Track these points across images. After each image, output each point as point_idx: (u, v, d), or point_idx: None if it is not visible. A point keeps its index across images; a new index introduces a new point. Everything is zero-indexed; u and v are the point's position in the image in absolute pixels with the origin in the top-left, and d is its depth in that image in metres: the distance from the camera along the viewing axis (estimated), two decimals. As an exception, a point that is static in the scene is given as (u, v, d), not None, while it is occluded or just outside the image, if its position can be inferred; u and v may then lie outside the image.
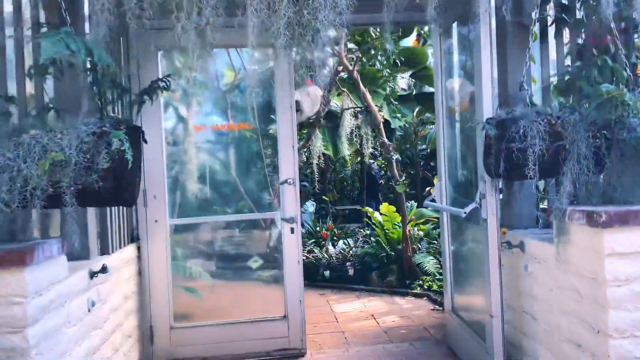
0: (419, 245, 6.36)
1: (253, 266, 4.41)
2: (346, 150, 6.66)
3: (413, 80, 11.66)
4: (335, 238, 7.79)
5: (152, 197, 3.74)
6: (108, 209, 3.24)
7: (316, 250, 6.92)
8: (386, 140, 5.86)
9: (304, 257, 6.72)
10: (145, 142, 2.66)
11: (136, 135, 2.55)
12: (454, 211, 3.23)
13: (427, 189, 5.85)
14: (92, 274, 2.76)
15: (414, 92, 10.75)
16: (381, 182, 10.40)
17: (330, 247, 6.86)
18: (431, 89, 9.84)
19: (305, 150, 7.54)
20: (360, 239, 7.37)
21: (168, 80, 2.64)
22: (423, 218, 6.04)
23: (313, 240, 7.67)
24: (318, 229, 8.17)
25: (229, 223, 4.22)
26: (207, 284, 4.19)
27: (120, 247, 3.42)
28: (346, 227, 9.00)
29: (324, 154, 8.97)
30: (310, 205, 9.72)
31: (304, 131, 7.12)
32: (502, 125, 2.57)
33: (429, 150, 13.49)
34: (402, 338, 4.21)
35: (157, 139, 3.73)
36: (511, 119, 2.56)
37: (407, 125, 12.62)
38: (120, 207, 3.48)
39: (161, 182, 3.75)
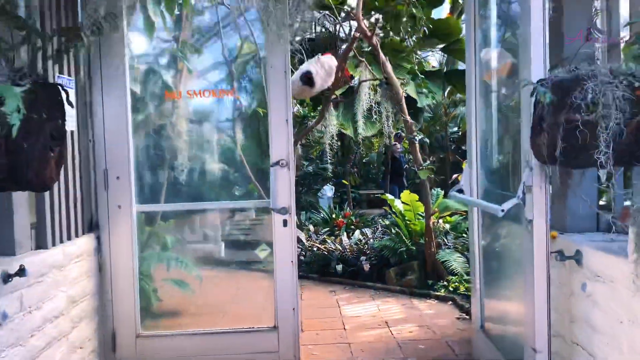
0: (445, 239, 5.58)
1: (239, 265, 3.76)
2: (362, 130, 5.88)
3: (444, 56, 10.77)
4: (352, 227, 7.09)
5: (115, 178, 3.08)
6: (49, 191, 2.59)
7: (329, 241, 6.22)
8: (408, 118, 5.07)
9: (316, 248, 6.04)
10: (71, 105, 1.98)
11: (51, 95, 1.87)
12: (487, 208, 2.46)
13: (454, 176, 5.03)
14: (7, 277, 2.11)
15: (445, 70, 9.87)
16: (406, 167, 9.57)
17: (345, 238, 6.14)
18: (465, 66, 8.97)
19: (321, 129, 6.81)
20: (380, 229, 6.62)
21: (95, 26, 1.94)
22: (448, 211, 5.23)
23: (327, 229, 6.98)
24: (334, 216, 7.47)
25: (214, 212, 3.55)
26: (185, 284, 3.57)
27: (68, 239, 2.78)
28: (365, 215, 8.27)
29: (344, 133, 8.24)
30: (329, 190, 9.01)
31: (320, 107, 6.37)
32: (561, 89, 1.78)
33: (460, 133, 12.61)
34: (419, 356, 3.48)
35: (120, 106, 3.06)
36: (574, 80, 1.77)
37: (436, 104, 11.76)
38: (73, 189, 2.84)
39: (125, 160, 3.08)
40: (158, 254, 3.73)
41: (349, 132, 7.61)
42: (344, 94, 7.16)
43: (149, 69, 3.63)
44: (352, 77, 7.41)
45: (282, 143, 3.10)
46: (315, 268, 5.95)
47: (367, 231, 6.45)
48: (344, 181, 9.47)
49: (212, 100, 3.70)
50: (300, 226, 7.35)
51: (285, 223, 3.12)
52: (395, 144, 9.56)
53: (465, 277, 4.97)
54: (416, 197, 5.56)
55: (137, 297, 3.16)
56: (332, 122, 5.89)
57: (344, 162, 9.90)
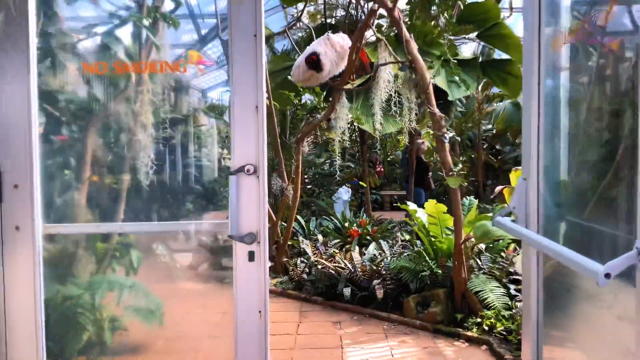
0: (478, 261, 4.54)
1: (187, 314, 2.83)
2: (379, 125, 4.85)
3: (479, 44, 9.69)
4: (368, 237, 6.09)
5: (12, 187, 2.17)
6: None
7: (338, 257, 5.23)
8: (437, 110, 4.04)
9: (321, 266, 5.08)
10: None
11: None
12: (571, 262, 1.42)
13: (498, 189, 3.93)
14: None
15: (480, 60, 8.75)
16: (430, 169, 8.50)
17: (355, 255, 5.13)
18: (504, 56, 7.87)
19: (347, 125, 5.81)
20: (400, 242, 5.61)
21: None
22: (489, 237, 4.13)
23: (338, 240, 5.99)
24: (347, 224, 6.47)
25: (157, 235, 2.62)
26: (148, 315, 2.70)
27: None
28: (384, 221, 7.24)
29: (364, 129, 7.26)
30: (345, 192, 8.00)
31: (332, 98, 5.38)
32: None
33: (495, 131, 11.48)
34: None
35: (20, 89, 2.14)
36: None
37: (468, 99, 10.69)
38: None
39: (27, 162, 2.16)
40: (108, 280, 2.88)
41: (367, 127, 6.60)
42: (364, 84, 6.17)
43: (89, 38, 2.72)
44: (372, 65, 6.43)
45: (249, 140, 2.14)
46: (321, 288, 4.98)
47: (385, 245, 5.43)
48: (361, 183, 8.44)
49: (192, 81, 2.84)
50: (309, 235, 6.39)
51: (251, 256, 2.15)
52: (423, 142, 8.49)
53: (504, 312, 3.94)
54: (444, 207, 4.52)
55: (41, 348, 2.24)
56: (344, 116, 4.91)
57: (362, 161, 8.88)
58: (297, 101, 7.16)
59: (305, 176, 9.13)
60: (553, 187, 2.01)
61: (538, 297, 2.11)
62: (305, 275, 5.22)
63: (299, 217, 6.72)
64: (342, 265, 4.97)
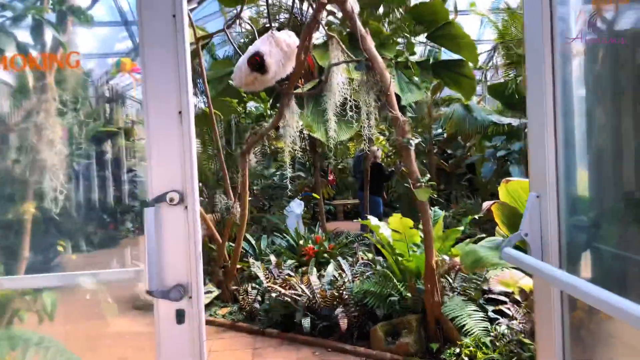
0: (450, 279, 4.10)
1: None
2: (334, 132, 4.35)
3: (426, 46, 9.44)
4: (325, 255, 5.56)
5: None
6: None
7: (294, 280, 4.67)
8: (399, 114, 3.58)
9: (275, 294, 4.50)
10: None
11: None
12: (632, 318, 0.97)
13: (485, 205, 3.47)
14: None
15: (431, 61, 8.44)
16: (389, 175, 8.08)
17: (314, 279, 4.58)
18: (455, 56, 7.60)
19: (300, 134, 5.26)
20: (361, 261, 5.11)
21: None
22: (480, 265, 3.59)
23: (293, 261, 5.43)
24: (302, 242, 5.92)
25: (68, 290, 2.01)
26: None
27: None
28: (340, 233, 6.76)
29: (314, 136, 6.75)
30: (297, 206, 7.44)
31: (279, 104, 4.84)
32: None
33: (445, 135, 11.28)
34: None
35: None
36: None
37: (417, 104, 10.40)
38: None
39: None
40: (9, 335, 2.25)
41: (319, 135, 6.08)
42: (315, 88, 5.67)
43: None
44: (320, 70, 5.98)
45: (171, 159, 1.56)
46: (276, 319, 4.40)
47: (344, 264, 4.92)
48: (314, 195, 7.91)
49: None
50: (260, 256, 5.80)
51: (180, 317, 1.57)
52: (378, 148, 8.09)
53: (484, 339, 3.50)
54: (410, 222, 4.05)
55: None
56: (294, 123, 4.37)
57: (312, 170, 8.38)
58: (242, 109, 6.58)
59: (255, 188, 8.54)
60: (577, 206, 1.54)
61: (564, 345, 1.63)
62: (257, 305, 4.62)
63: (248, 235, 6.13)
64: (299, 292, 4.41)
